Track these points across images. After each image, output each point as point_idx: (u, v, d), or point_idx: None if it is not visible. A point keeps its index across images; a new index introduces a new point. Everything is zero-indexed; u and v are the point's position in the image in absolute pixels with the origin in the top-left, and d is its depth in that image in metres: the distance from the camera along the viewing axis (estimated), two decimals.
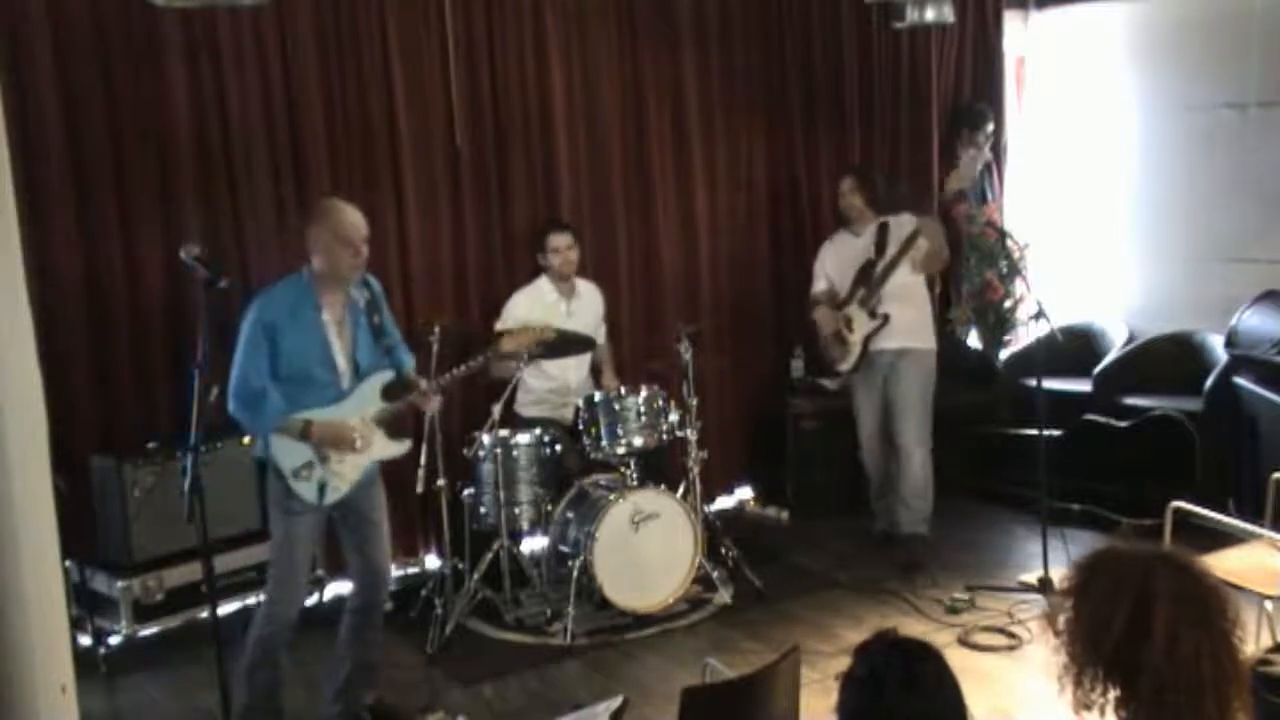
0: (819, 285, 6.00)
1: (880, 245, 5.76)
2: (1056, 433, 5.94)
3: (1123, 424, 6.16)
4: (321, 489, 4.07)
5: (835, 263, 5.95)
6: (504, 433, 5.21)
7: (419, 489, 4.95)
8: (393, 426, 4.26)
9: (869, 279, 5.76)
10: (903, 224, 5.77)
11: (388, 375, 4.25)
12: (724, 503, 6.78)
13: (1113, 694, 2.06)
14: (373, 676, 4.41)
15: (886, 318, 5.74)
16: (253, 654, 4.12)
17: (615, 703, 3.31)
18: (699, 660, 4.10)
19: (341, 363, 4.14)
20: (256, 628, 4.14)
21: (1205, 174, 6.75)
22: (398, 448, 4.31)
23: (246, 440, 4.97)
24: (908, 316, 5.78)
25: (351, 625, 4.32)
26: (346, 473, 4.13)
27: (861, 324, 5.78)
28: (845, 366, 5.88)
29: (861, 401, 5.94)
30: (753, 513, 6.78)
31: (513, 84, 5.91)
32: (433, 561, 5.74)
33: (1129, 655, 2.01)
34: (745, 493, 6.91)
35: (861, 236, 5.86)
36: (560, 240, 5.66)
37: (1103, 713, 2.08)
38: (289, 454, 4.04)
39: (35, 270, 4.12)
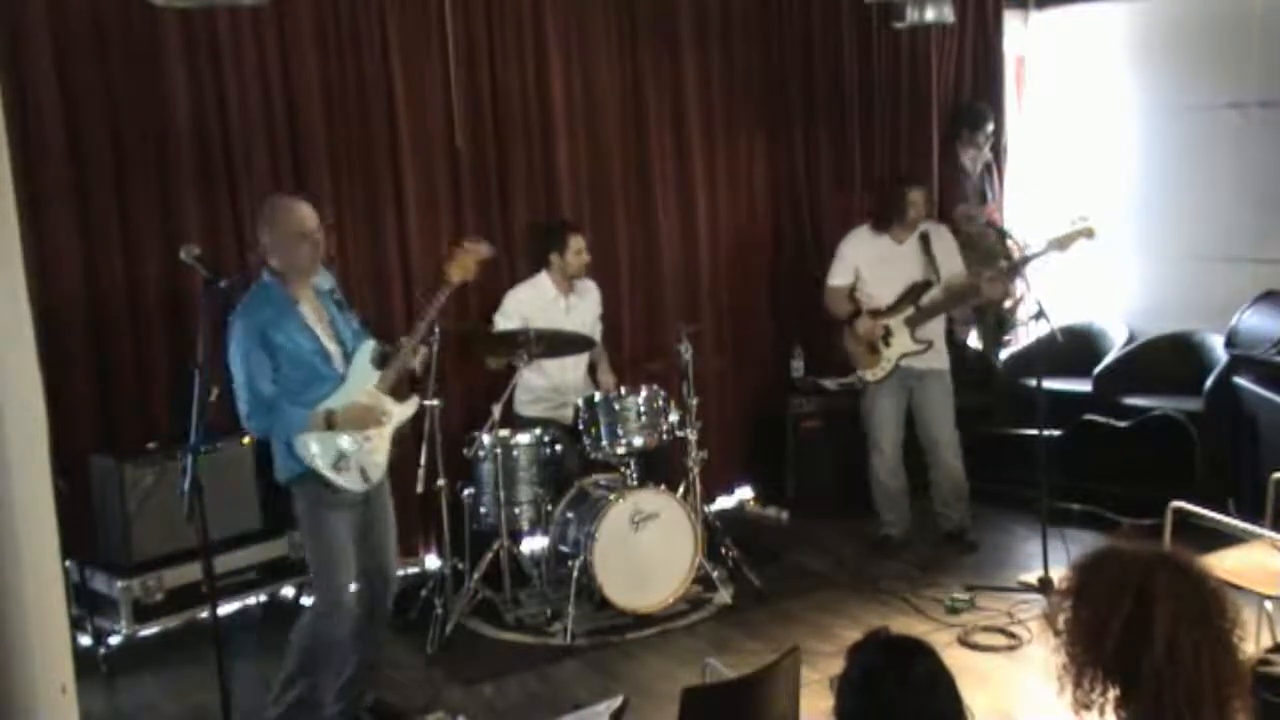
0: (843, 279, 5.88)
1: (929, 260, 5.75)
2: (1056, 433, 5.94)
3: (1123, 424, 6.15)
4: (364, 473, 4.11)
5: (871, 265, 5.83)
6: (504, 433, 5.21)
7: (419, 489, 4.96)
8: (396, 390, 4.29)
9: (917, 300, 5.74)
10: (943, 235, 5.86)
11: (370, 344, 4.25)
12: (724, 503, 6.78)
13: (1112, 694, 2.06)
14: (374, 676, 4.41)
15: (930, 344, 5.78)
16: (295, 665, 4.09)
17: (615, 703, 3.32)
18: (699, 660, 4.11)
19: (333, 348, 4.14)
20: (302, 638, 4.10)
21: (1205, 174, 6.74)
22: (409, 408, 4.34)
23: (247, 440, 4.98)
24: (938, 339, 5.88)
25: (357, 627, 4.28)
26: (379, 447, 4.17)
27: (903, 343, 5.76)
28: (871, 377, 5.84)
29: (887, 414, 5.90)
30: (753, 513, 6.77)
31: (513, 84, 5.91)
32: (433, 561, 5.74)
33: (1129, 656, 2.01)
34: (745, 493, 6.91)
35: (904, 244, 5.79)
36: (582, 241, 5.69)
37: (1102, 713, 2.08)
38: (321, 451, 4.03)
39: (35, 270, 4.13)
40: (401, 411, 4.29)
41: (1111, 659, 2.03)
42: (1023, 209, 7.41)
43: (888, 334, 5.78)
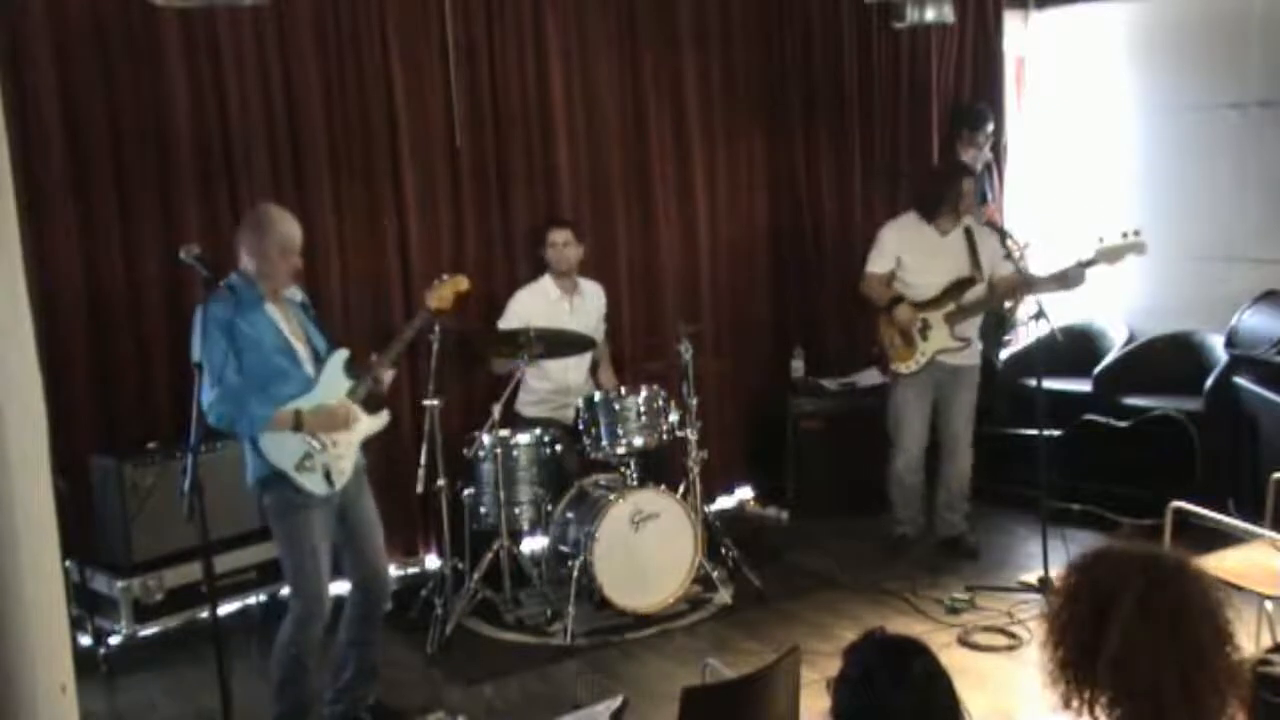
0: (882, 266, 5.78)
1: (974, 256, 5.66)
2: (1056, 433, 5.95)
3: (1123, 424, 6.15)
4: (328, 475, 4.05)
5: (912, 253, 5.73)
6: (504, 433, 5.21)
7: (419, 489, 4.96)
8: (368, 401, 4.26)
9: (959, 297, 5.67)
10: (986, 233, 5.69)
11: (344, 353, 4.24)
12: (724, 503, 6.78)
13: (1086, 693, 2.06)
14: (375, 678, 4.41)
15: (968, 342, 5.73)
16: (284, 670, 4.09)
17: (615, 703, 3.31)
18: (699, 660, 4.11)
19: (300, 349, 4.11)
20: (286, 645, 4.09)
21: (1205, 174, 6.74)
22: (379, 421, 4.31)
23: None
24: (975, 336, 5.82)
25: (354, 630, 4.30)
26: (344, 453, 4.13)
27: (941, 338, 5.69)
28: (905, 369, 5.75)
29: (915, 411, 5.81)
30: (753, 513, 6.77)
31: (513, 84, 5.92)
32: (433, 561, 5.74)
33: (1094, 656, 2.01)
34: (745, 493, 6.91)
35: (948, 236, 5.70)
36: (559, 235, 5.70)
37: (1079, 712, 2.08)
38: (285, 451, 4.00)
39: (35, 270, 4.14)
40: (371, 422, 4.26)
41: (1082, 659, 2.04)
42: (1023, 209, 7.41)
43: (925, 327, 5.70)
